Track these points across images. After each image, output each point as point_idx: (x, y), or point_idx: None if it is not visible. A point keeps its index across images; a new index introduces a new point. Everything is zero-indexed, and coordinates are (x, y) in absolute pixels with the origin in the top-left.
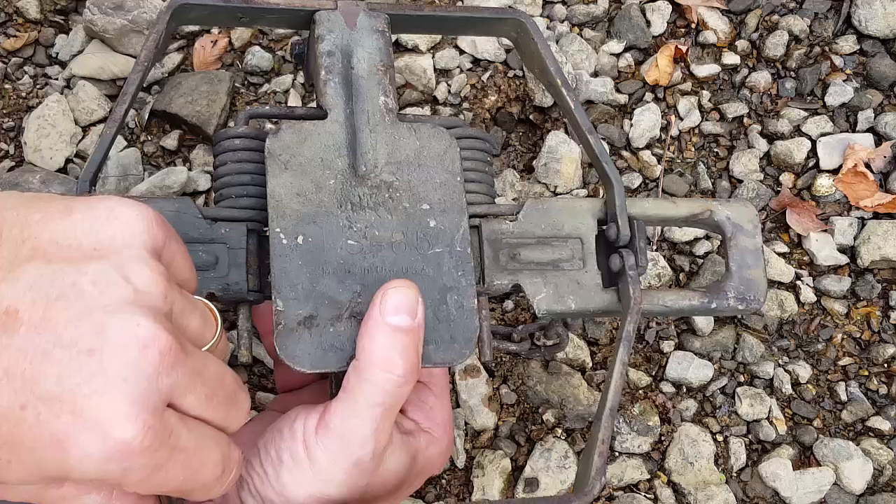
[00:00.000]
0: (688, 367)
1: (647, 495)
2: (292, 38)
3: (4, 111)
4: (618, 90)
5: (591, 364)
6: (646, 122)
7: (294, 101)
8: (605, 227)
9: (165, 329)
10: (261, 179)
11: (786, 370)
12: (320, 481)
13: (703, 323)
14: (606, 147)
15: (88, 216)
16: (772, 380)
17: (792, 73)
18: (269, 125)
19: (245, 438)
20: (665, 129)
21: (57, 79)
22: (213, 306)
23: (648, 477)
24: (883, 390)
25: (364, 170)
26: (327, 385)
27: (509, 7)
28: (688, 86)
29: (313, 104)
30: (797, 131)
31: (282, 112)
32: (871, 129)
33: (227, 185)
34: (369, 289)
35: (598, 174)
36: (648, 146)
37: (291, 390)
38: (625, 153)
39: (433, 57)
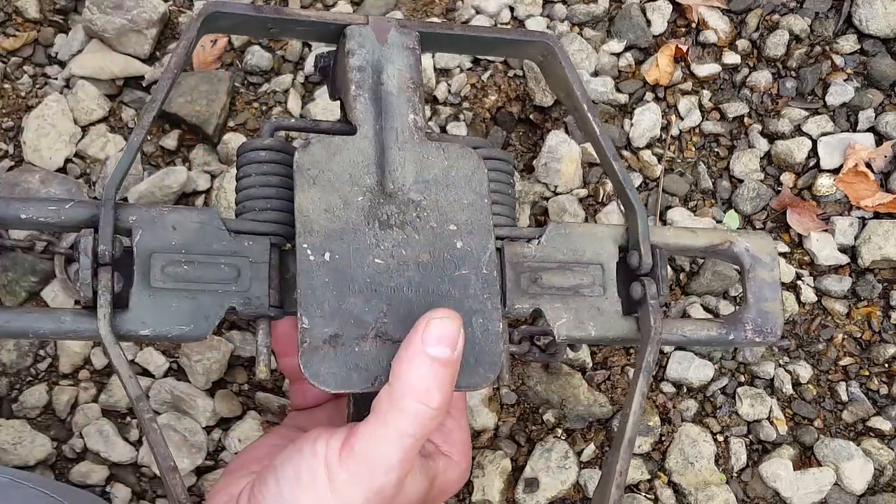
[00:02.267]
0: (688, 368)
1: (648, 495)
2: (316, 51)
3: (4, 111)
4: (618, 90)
5: (591, 364)
6: (646, 121)
7: (294, 100)
8: (626, 254)
9: None
10: (285, 193)
11: (786, 370)
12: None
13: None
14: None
15: None
16: (772, 380)
17: (792, 72)
18: (296, 140)
19: (259, 452)
20: (665, 128)
21: (56, 78)
22: None
23: (649, 477)
24: (884, 390)
25: (392, 187)
26: (343, 404)
27: (539, 31)
28: (688, 85)
29: (332, 117)
30: (798, 131)
31: (307, 125)
32: (871, 129)
33: (251, 198)
34: (395, 309)
35: (621, 202)
36: (649, 146)
37: (306, 408)
38: (625, 153)
39: (433, 56)
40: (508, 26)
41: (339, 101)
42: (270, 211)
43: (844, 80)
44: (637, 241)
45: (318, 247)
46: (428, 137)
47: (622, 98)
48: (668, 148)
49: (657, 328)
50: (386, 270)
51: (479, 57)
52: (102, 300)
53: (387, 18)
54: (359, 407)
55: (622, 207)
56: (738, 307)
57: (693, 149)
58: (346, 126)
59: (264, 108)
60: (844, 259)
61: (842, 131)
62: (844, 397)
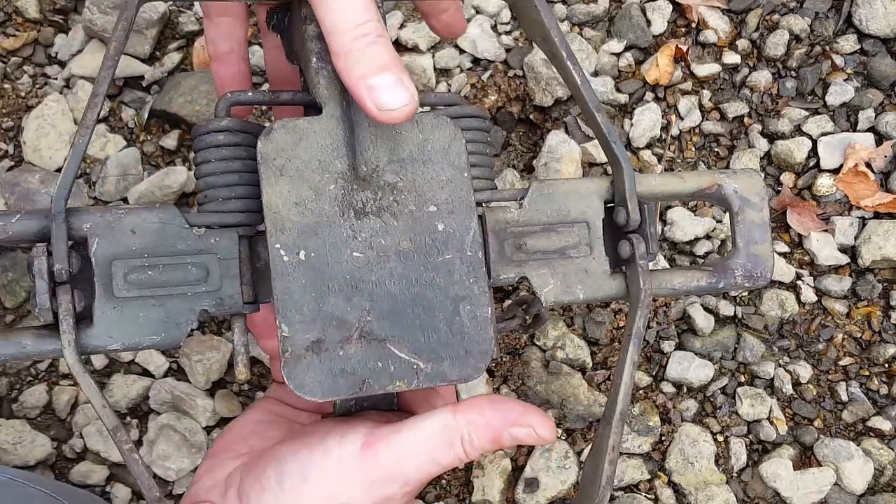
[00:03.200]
0: (688, 367)
1: (648, 495)
2: (268, 8)
3: (4, 111)
4: (618, 90)
5: (591, 364)
6: (646, 121)
7: None
8: (612, 211)
9: None
10: (249, 178)
11: (786, 370)
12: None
13: (704, 323)
14: (616, 129)
15: None
16: (772, 380)
17: (792, 72)
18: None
19: (243, 431)
20: (665, 128)
21: (56, 78)
22: None
23: (649, 477)
24: (884, 390)
25: (365, 170)
26: None
27: None
28: (688, 85)
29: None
30: (798, 131)
31: (266, 98)
32: (871, 129)
33: (213, 187)
34: (378, 305)
35: (606, 156)
36: (649, 146)
37: None
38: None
39: (433, 56)
40: (507, 26)
41: (299, 68)
42: (235, 200)
43: (844, 80)
44: (624, 196)
45: (292, 245)
46: None
47: (622, 98)
48: (668, 148)
49: (647, 290)
50: (366, 264)
51: None
52: (65, 325)
53: None
54: (347, 406)
55: (608, 161)
56: (727, 252)
57: (693, 149)
58: (307, 96)
59: (264, 107)
60: (844, 259)
61: (842, 131)
62: (844, 397)
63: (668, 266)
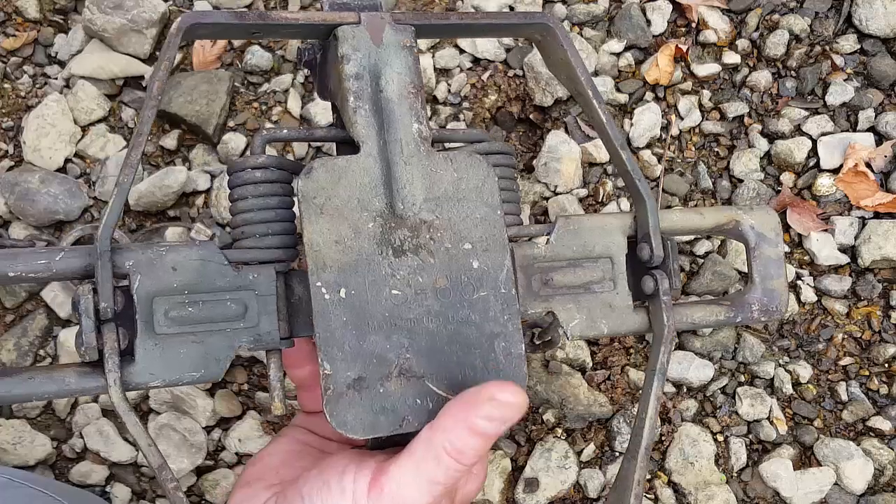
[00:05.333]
0: (688, 367)
1: (648, 495)
2: (299, 44)
3: (4, 111)
4: (618, 89)
5: (591, 364)
6: (646, 121)
7: (293, 100)
8: (635, 246)
9: None
10: (285, 214)
11: (786, 370)
12: None
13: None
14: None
15: None
16: (772, 380)
17: (792, 72)
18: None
19: (274, 461)
20: (665, 128)
21: (56, 78)
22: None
23: (649, 477)
24: (884, 390)
25: (402, 208)
26: None
27: (537, 12)
28: (688, 85)
29: (326, 123)
30: (798, 131)
31: (301, 135)
32: (871, 129)
33: (250, 223)
34: (416, 342)
35: (629, 192)
36: (649, 146)
37: (317, 412)
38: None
39: (433, 56)
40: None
41: (330, 104)
42: (272, 236)
43: (844, 80)
44: (647, 232)
45: (333, 283)
46: (432, 139)
47: (622, 98)
48: (668, 148)
49: (670, 326)
50: (404, 301)
51: (478, 38)
52: (110, 363)
53: (380, 15)
54: (380, 441)
55: (630, 198)
56: (743, 286)
57: (693, 148)
58: (342, 132)
59: (264, 107)
60: (844, 259)
61: (842, 131)
62: (844, 397)
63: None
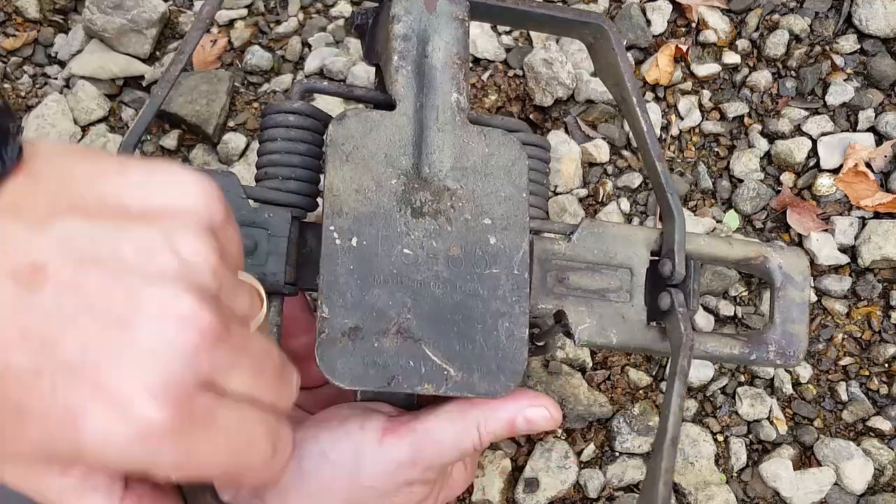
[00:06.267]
0: None
1: None
2: (354, 9)
3: None
4: None
5: (591, 364)
6: None
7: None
8: (658, 261)
9: (209, 307)
10: (311, 163)
11: (786, 370)
12: (358, 487)
13: (704, 322)
14: (671, 177)
15: (144, 178)
16: (772, 380)
17: (792, 72)
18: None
19: None
20: (665, 128)
21: (56, 78)
22: (259, 285)
23: None
24: (884, 390)
25: (428, 171)
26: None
27: (594, 12)
28: (688, 85)
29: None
30: (798, 131)
31: (341, 90)
32: (871, 129)
33: (275, 165)
34: (419, 305)
35: (660, 206)
36: None
37: (309, 388)
38: (625, 153)
39: None
40: (507, 26)
41: (374, 67)
42: (294, 181)
43: (844, 80)
44: (672, 249)
45: (346, 230)
46: (469, 119)
47: None
48: (668, 148)
49: (688, 335)
50: (414, 262)
51: (530, 31)
52: None
53: None
54: (367, 398)
55: (660, 211)
56: (763, 325)
57: (693, 148)
58: (381, 94)
59: (264, 107)
60: (844, 259)
61: (842, 131)
62: (844, 397)
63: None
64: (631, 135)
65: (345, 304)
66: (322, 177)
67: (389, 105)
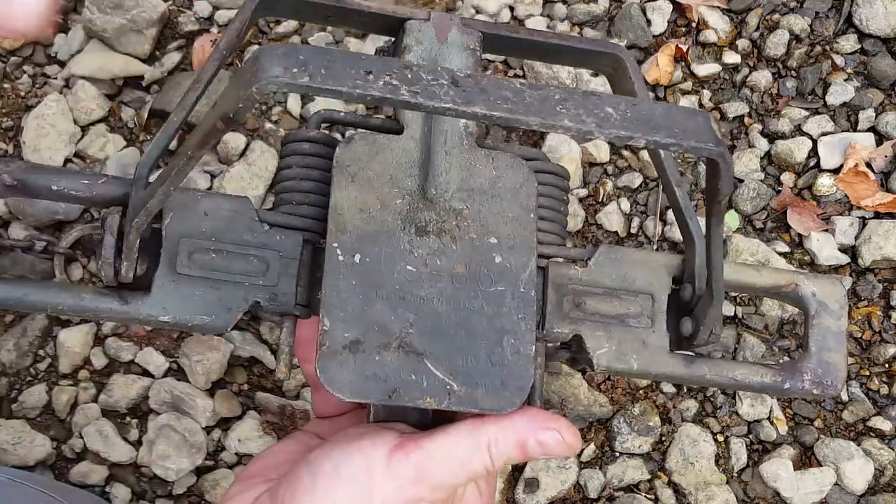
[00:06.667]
0: None
1: (648, 496)
2: (378, 44)
3: (3, 111)
4: None
5: None
6: None
7: (293, 100)
8: (679, 287)
9: None
10: (325, 189)
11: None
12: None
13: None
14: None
15: None
16: None
17: (793, 72)
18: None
19: (278, 459)
20: None
21: (56, 78)
22: None
23: (649, 477)
24: (884, 390)
25: (434, 193)
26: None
27: (610, 42)
28: (688, 85)
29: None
30: (798, 131)
31: (356, 120)
32: (872, 129)
33: (289, 190)
34: (422, 320)
35: (680, 231)
36: None
37: (329, 417)
38: (625, 153)
39: None
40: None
41: None
42: (308, 206)
43: (845, 80)
44: (693, 274)
45: (349, 247)
46: (479, 144)
47: None
48: None
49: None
50: (417, 279)
51: (546, 62)
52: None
53: (449, 16)
54: (379, 418)
55: (682, 237)
56: (797, 353)
57: None
58: (395, 124)
59: (264, 107)
60: (845, 259)
61: (842, 131)
62: (845, 397)
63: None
64: None
65: (346, 317)
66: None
67: (398, 131)
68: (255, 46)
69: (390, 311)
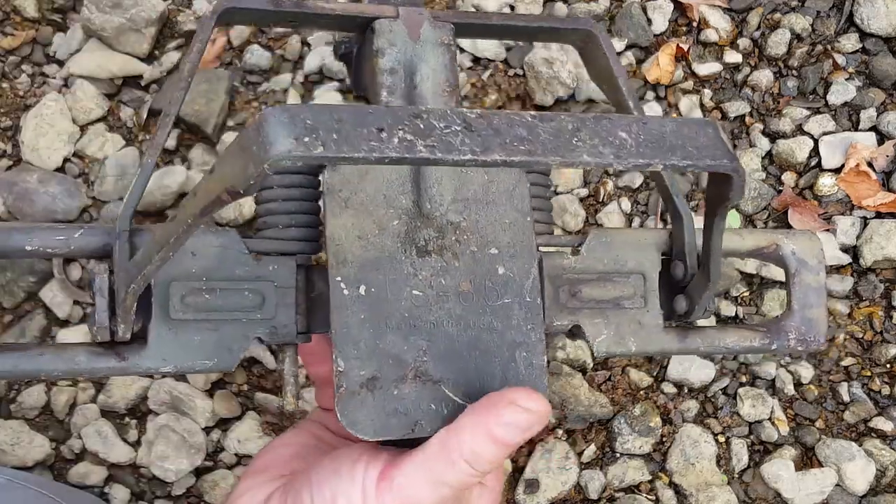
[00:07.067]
0: (689, 368)
1: (649, 496)
2: (337, 38)
3: (2, 110)
4: None
5: (591, 364)
6: None
7: (293, 100)
8: (669, 262)
9: None
10: (309, 207)
11: (788, 371)
12: None
13: (704, 322)
14: (679, 183)
15: None
16: (774, 380)
17: (794, 71)
18: None
19: (286, 453)
20: None
21: (55, 77)
22: None
23: (650, 478)
24: (885, 391)
25: (429, 208)
26: None
27: (581, 18)
28: (689, 84)
29: None
30: (799, 130)
31: None
32: (873, 128)
33: (273, 213)
34: (435, 346)
35: (667, 209)
36: None
37: (333, 409)
38: None
39: None
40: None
41: (364, 98)
42: (295, 228)
43: (846, 79)
44: (683, 250)
45: (353, 279)
46: None
47: None
48: None
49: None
50: (425, 303)
51: (519, 41)
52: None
53: (419, 10)
54: None
55: (668, 215)
56: (780, 312)
57: None
58: None
59: (263, 107)
60: (846, 259)
61: (843, 130)
62: (846, 398)
63: None
64: None
65: (359, 354)
66: (323, 221)
67: None
68: (255, 46)
69: (402, 340)
